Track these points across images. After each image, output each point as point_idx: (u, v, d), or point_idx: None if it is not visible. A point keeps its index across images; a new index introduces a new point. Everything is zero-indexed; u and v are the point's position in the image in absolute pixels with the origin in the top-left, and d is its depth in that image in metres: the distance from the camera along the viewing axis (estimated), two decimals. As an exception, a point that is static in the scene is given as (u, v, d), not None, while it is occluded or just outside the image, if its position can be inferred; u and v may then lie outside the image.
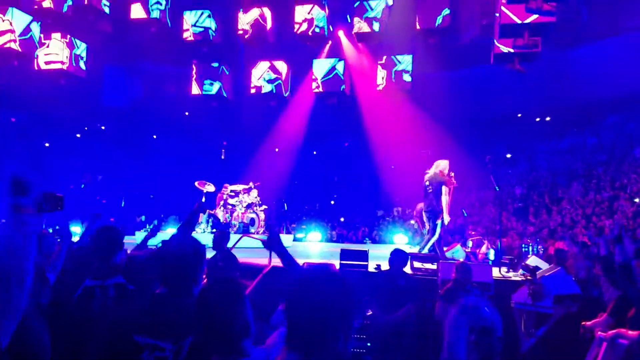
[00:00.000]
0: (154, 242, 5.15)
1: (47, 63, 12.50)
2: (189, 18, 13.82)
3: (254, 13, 13.60)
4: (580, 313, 5.01)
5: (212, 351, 1.83)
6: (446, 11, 12.66)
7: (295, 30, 13.29)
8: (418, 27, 12.90)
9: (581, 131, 18.36)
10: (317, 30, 13.20)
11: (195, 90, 14.57)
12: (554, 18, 10.12)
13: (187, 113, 18.79)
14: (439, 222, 7.98)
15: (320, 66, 14.26)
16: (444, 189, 7.95)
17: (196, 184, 13.08)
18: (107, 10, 12.61)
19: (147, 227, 14.71)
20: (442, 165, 8.21)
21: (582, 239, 11.45)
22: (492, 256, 8.20)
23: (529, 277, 5.27)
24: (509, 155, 19.07)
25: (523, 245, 8.98)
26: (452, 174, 8.09)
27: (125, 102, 19.61)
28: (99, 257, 2.94)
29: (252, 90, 14.54)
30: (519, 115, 19.26)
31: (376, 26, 13.29)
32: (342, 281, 1.61)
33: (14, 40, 11.65)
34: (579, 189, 15.46)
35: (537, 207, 15.44)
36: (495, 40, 11.19)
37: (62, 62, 12.51)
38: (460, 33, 13.85)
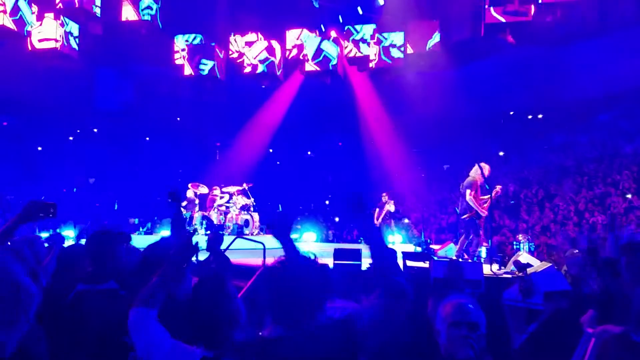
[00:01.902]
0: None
1: (40, 41, 12.19)
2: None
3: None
4: (571, 309, 5.05)
5: (200, 343, 2.01)
6: (437, 36, 12.75)
7: (286, 55, 13.41)
8: (410, 51, 13.00)
9: (573, 128, 18.46)
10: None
11: (187, 70, 14.37)
12: None
13: (178, 118, 18.79)
14: (478, 221, 8.26)
15: (311, 43, 14.15)
16: (467, 191, 8.22)
17: (189, 185, 13.09)
18: (98, 12, 12.57)
19: (141, 229, 14.69)
20: (474, 170, 8.45)
21: (574, 236, 11.54)
22: (484, 254, 8.27)
23: (519, 274, 5.33)
24: (501, 153, 19.17)
25: (514, 243, 9.06)
26: (482, 169, 8.30)
27: (117, 104, 19.56)
28: (95, 262, 2.92)
29: (247, 69, 14.34)
30: (511, 113, 19.37)
31: (364, 48, 13.47)
32: (316, 265, 1.97)
33: (4, 13, 11.33)
34: (571, 185, 15.56)
35: (530, 204, 15.53)
36: (486, 9, 10.90)
37: (56, 41, 12.19)
38: (452, 32, 13.92)
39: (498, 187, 8.22)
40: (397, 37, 13.57)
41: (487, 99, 17.59)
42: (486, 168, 8.33)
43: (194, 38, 14.30)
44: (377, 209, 13.10)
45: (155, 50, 15.08)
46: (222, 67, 14.67)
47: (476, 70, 16.52)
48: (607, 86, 15.84)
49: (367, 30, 13.69)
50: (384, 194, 13.15)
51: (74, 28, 12.71)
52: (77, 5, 12.12)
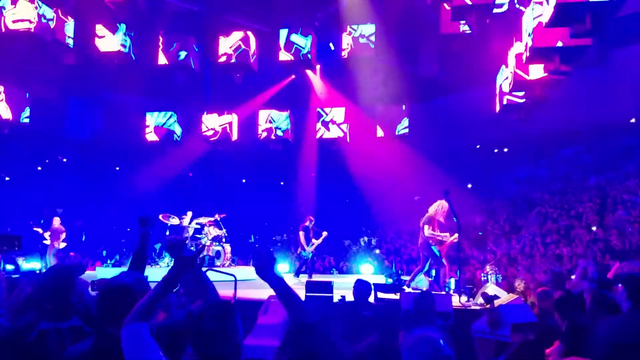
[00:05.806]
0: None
1: (14, 22, 11.67)
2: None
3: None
4: (538, 341, 5.16)
5: None
6: (405, 122, 13.13)
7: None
8: (380, 134, 13.33)
9: (537, 162, 19.10)
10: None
11: (162, 60, 13.90)
12: None
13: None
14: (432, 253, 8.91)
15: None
16: (426, 227, 8.92)
17: (160, 217, 12.91)
18: (71, 43, 12.47)
19: (109, 261, 14.37)
20: (433, 206, 9.08)
21: (541, 267, 11.80)
22: (452, 285, 8.38)
23: (487, 306, 5.42)
24: (469, 186, 19.60)
25: (482, 274, 9.22)
26: (443, 207, 8.88)
27: (87, 133, 19.33)
28: (56, 297, 2.81)
29: (223, 59, 13.52)
30: (478, 146, 19.96)
31: (334, 129, 13.80)
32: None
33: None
34: (536, 217, 15.96)
35: (497, 235, 15.85)
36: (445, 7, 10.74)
37: (30, 22, 11.67)
38: (420, 68, 14.32)
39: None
40: (368, 29, 12.96)
41: (455, 132, 18.12)
42: (445, 207, 8.84)
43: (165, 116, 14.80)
44: (302, 233, 12.09)
45: (126, 79, 15.05)
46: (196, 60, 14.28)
47: (443, 105, 17.02)
48: (568, 122, 16.53)
49: (337, 112, 14.07)
50: (309, 218, 12.39)
51: (49, 12, 12.08)
52: (49, 38, 11.91)
